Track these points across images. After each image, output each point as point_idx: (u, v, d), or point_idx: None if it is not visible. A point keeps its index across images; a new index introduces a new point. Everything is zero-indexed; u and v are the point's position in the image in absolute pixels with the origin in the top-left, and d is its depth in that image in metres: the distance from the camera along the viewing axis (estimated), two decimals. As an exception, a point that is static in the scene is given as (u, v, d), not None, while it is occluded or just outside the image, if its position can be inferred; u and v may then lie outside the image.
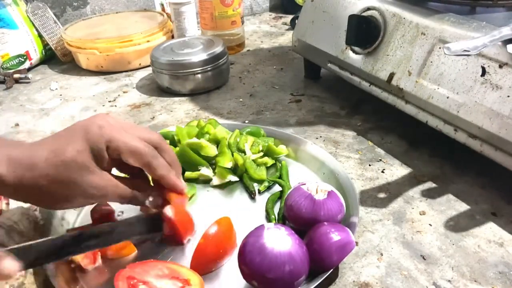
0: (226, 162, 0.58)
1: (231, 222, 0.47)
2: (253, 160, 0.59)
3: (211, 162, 0.60)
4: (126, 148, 0.42)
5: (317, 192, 0.46)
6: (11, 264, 0.35)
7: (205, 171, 0.59)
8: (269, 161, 0.61)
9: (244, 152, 0.60)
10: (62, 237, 0.41)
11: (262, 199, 0.55)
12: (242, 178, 0.58)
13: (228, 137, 0.62)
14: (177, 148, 0.60)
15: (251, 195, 0.56)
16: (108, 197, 0.43)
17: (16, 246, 0.37)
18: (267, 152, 0.61)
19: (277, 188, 0.57)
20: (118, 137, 0.42)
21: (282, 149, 0.61)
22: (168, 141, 0.63)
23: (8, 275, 0.35)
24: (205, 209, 0.54)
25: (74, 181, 0.40)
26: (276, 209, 0.53)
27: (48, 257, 0.40)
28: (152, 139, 0.45)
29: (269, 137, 0.65)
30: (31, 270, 0.46)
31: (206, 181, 0.59)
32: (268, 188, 0.57)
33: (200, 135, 0.62)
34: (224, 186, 0.58)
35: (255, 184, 0.57)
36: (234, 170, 0.59)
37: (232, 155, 0.59)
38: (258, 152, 0.61)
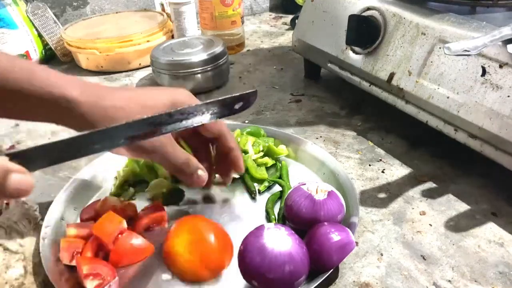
0: (226, 160, 0.58)
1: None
2: (253, 160, 0.59)
3: (211, 162, 0.60)
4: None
5: (317, 192, 0.46)
6: (21, 178, 0.29)
7: (205, 171, 0.58)
8: (269, 161, 0.60)
9: (245, 151, 0.60)
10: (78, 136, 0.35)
11: (262, 199, 0.55)
12: (243, 178, 0.58)
13: (228, 137, 0.62)
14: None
15: (252, 195, 0.56)
16: (163, 149, 0.43)
17: (23, 149, 0.31)
18: (267, 152, 0.61)
19: (277, 188, 0.57)
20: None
21: (282, 150, 0.61)
22: None
23: (18, 192, 0.29)
24: (206, 208, 0.54)
25: None
26: (276, 209, 0.53)
27: (62, 155, 0.34)
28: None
29: (269, 137, 0.64)
30: (31, 270, 0.46)
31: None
32: (268, 188, 0.57)
33: (200, 135, 0.62)
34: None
35: (255, 184, 0.57)
36: (235, 169, 0.59)
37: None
38: (258, 152, 0.61)
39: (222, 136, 0.48)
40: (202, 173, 0.46)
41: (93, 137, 0.35)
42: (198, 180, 0.46)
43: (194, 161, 0.45)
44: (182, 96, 0.45)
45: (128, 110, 0.40)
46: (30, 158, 0.31)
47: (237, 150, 0.50)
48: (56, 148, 0.33)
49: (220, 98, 0.42)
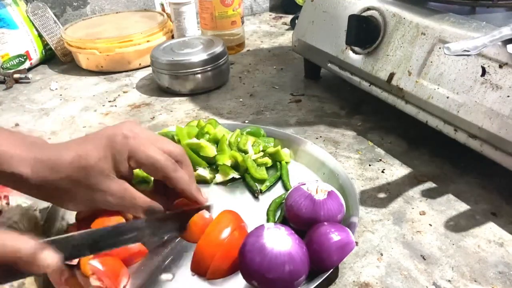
0: (226, 159, 0.58)
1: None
2: (253, 160, 0.59)
3: (211, 162, 0.60)
4: (147, 161, 0.44)
5: (317, 192, 0.46)
6: (51, 256, 0.34)
7: (202, 171, 0.58)
8: (269, 161, 0.60)
9: (245, 151, 0.60)
10: (99, 230, 0.42)
11: (263, 199, 0.55)
12: (244, 178, 0.58)
13: (228, 137, 0.62)
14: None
15: (255, 195, 0.56)
16: (125, 205, 0.44)
17: (53, 238, 0.37)
18: (274, 156, 0.61)
19: (278, 189, 0.57)
20: (141, 149, 0.44)
21: (287, 155, 0.61)
22: None
23: (48, 266, 0.34)
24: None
25: (94, 185, 0.42)
26: (278, 212, 0.53)
27: (84, 249, 0.40)
28: (175, 152, 0.46)
29: (269, 137, 0.64)
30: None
31: (205, 181, 0.59)
32: (270, 188, 0.57)
33: (200, 135, 0.62)
34: (227, 184, 0.59)
35: (257, 184, 0.57)
36: (236, 168, 0.59)
37: (232, 153, 0.59)
38: (258, 152, 0.61)
39: (167, 180, 0.45)
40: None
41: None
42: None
43: (155, 207, 0.46)
44: (117, 141, 0.43)
45: (74, 177, 0.41)
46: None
47: (189, 191, 0.47)
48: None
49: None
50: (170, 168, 0.45)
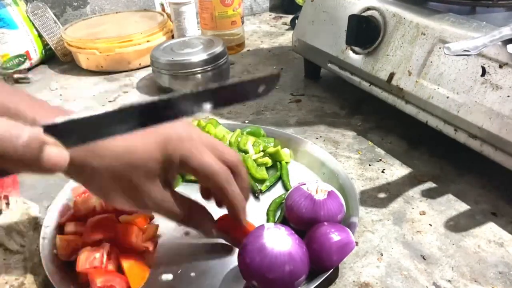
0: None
1: None
2: (253, 160, 0.59)
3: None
4: (201, 170, 0.41)
5: (317, 192, 0.47)
6: (57, 152, 0.26)
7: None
8: (269, 161, 0.60)
9: (245, 151, 0.60)
10: (105, 113, 0.29)
11: (263, 199, 0.55)
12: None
13: (228, 137, 0.62)
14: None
15: (255, 195, 0.56)
16: (159, 212, 0.42)
17: (54, 122, 0.27)
18: (274, 156, 0.61)
19: (278, 189, 0.57)
20: (195, 156, 0.40)
21: (287, 155, 0.61)
22: None
23: (54, 167, 0.26)
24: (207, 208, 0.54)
25: (135, 184, 0.39)
26: (278, 212, 0.53)
27: (91, 135, 0.30)
28: (230, 160, 0.43)
29: (269, 137, 0.64)
30: (31, 270, 0.46)
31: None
32: (270, 188, 0.57)
33: (200, 135, 0.62)
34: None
35: (257, 184, 0.57)
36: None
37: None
38: (259, 152, 0.61)
39: (219, 191, 0.42)
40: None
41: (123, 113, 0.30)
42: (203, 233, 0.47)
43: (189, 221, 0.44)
44: (171, 144, 0.40)
45: (117, 170, 0.38)
46: (63, 132, 0.27)
47: (237, 208, 0.43)
48: (90, 123, 0.29)
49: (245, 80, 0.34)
50: (225, 179, 0.41)
